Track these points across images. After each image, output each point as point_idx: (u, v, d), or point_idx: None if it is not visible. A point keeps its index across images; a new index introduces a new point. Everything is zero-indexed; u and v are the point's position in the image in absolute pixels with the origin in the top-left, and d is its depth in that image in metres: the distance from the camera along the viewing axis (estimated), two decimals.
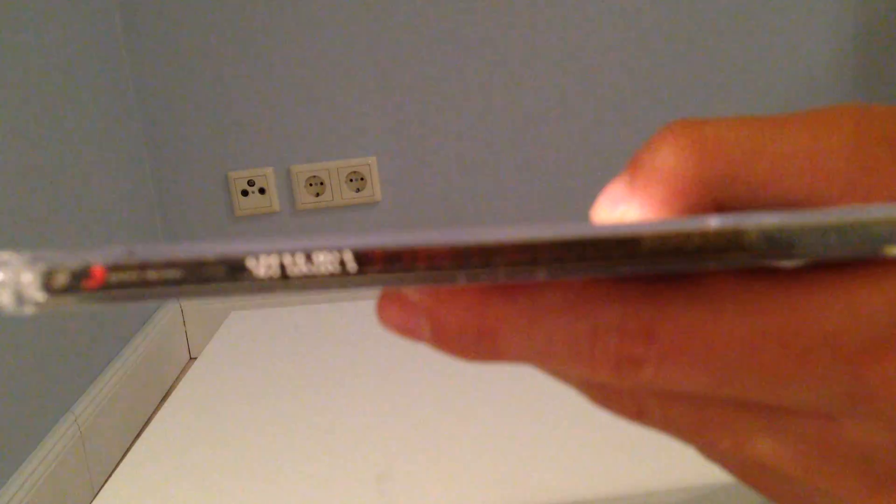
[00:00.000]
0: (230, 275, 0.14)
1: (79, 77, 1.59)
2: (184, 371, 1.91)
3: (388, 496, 0.38)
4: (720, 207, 0.17)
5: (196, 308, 1.96)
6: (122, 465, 0.43)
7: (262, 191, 1.88)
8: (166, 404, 0.48)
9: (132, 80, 1.82)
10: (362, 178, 1.86)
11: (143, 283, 0.14)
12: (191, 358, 1.98)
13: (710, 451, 0.18)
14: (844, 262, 0.15)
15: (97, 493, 0.40)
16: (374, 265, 0.14)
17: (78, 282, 0.14)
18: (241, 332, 0.57)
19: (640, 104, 1.81)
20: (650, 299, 0.16)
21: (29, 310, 0.14)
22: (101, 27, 1.71)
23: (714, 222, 0.14)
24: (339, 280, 0.14)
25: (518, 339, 0.16)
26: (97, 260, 0.14)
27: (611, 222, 0.17)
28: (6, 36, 1.36)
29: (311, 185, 1.87)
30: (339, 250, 0.14)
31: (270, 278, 0.14)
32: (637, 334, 0.15)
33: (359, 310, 0.58)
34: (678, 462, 0.37)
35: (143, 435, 0.45)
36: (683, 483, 0.36)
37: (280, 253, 0.14)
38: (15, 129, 1.35)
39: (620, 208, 0.18)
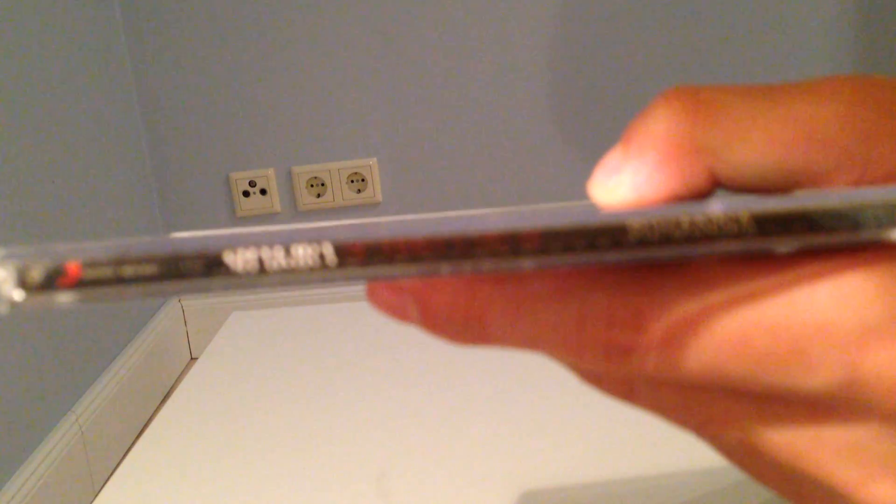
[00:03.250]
0: (207, 270, 0.14)
1: (80, 78, 1.59)
2: (185, 371, 1.91)
3: (388, 496, 0.38)
4: (714, 176, 0.17)
5: (197, 308, 1.96)
6: (123, 464, 0.43)
7: (263, 192, 1.88)
8: (167, 404, 0.48)
9: (134, 80, 1.83)
10: (363, 180, 1.86)
11: (119, 280, 0.14)
12: (192, 358, 1.98)
13: (699, 432, 0.18)
14: (835, 247, 0.15)
15: (98, 493, 0.40)
16: (355, 258, 0.14)
17: (53, 279, 0.14)
18: (242, 332, 0.57)
19: (643, 100, 1.81)
20: (639, 287, 0.15)
21: (4, 308, 0.14)
22: (102, 28, 1.71)
23: (704, 209, 0.14)
24: (318, 274, 0.14)
25: (505, 324, 0.16)
26: (72, 256, 0.14)
27: (599, 208, 0.17)
28: (6, 36, 1.36)
29: (312, 185, 1.87)
30: (319, 242, 0.14)
31: (248, 273, 0.14)
32: (625, 323, 0.15)
33: (360, 310, 0.58)
34: (676, 456, 0.38)
35: (145, 435, 0.45)
36: (682, 472, 0.36)
37: (258, 246, 0.14)
38: (15, 130, 1.36)
39: (613, 178, 0.17)
